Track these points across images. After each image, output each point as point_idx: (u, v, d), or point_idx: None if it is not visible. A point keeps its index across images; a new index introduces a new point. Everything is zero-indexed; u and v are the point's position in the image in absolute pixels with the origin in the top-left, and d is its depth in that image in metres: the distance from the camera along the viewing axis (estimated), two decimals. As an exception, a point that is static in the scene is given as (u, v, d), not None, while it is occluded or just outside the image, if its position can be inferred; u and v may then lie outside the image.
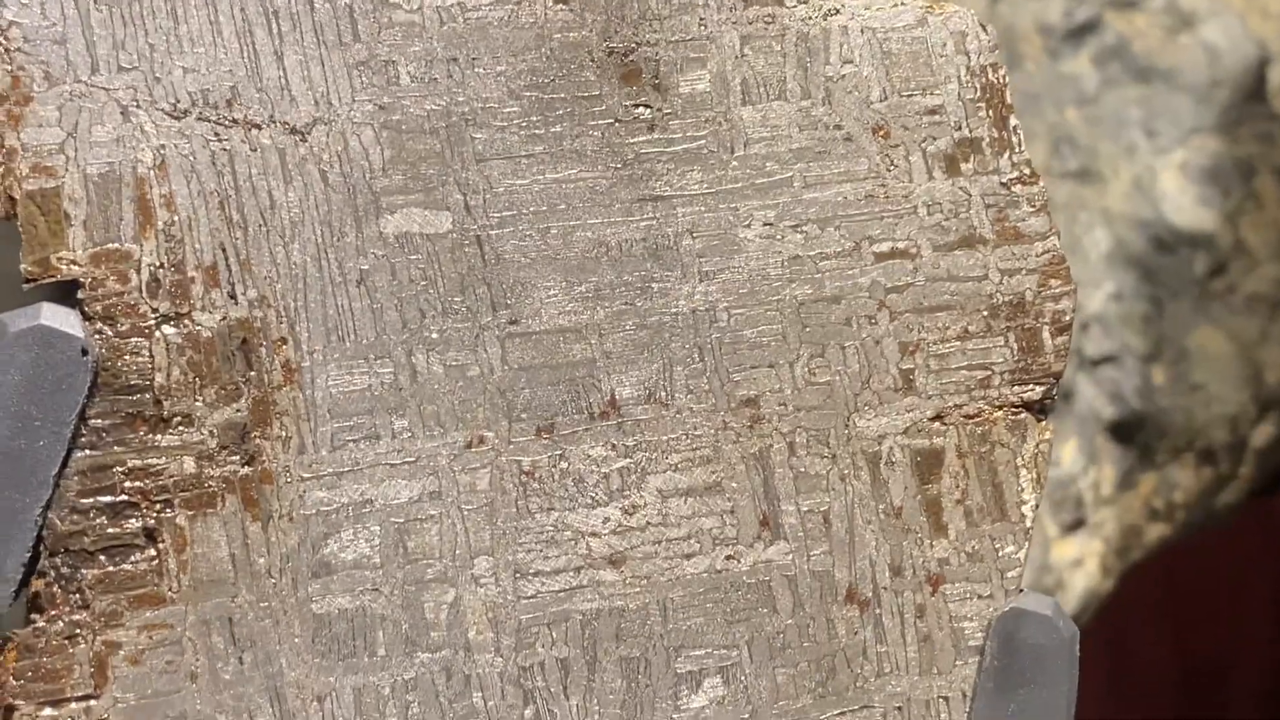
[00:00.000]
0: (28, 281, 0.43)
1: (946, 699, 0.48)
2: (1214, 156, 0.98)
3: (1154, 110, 0.98)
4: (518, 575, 0.46)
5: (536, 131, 0.46)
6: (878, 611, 0.47)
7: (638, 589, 0.46)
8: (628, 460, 0.46)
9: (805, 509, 0.47)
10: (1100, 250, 0.92)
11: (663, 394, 0.46)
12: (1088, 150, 0.96)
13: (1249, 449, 0.90)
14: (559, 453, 0.46)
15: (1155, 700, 1.02)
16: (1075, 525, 0.87)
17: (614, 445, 0.46)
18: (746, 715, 0.47)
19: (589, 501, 0.46)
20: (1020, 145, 0.49)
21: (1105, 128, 0.98)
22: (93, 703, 0.43)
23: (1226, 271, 0.94)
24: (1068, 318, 0.49)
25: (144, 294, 0.44)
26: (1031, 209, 0.49)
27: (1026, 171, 0.49)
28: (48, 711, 0.43)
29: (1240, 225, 0.96)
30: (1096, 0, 1.01)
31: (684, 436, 0.47)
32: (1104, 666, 1.02)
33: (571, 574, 0.46)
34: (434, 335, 0.45)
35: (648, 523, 0.46)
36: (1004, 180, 0.48)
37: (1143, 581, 0.98)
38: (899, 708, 0.48)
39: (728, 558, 0.47)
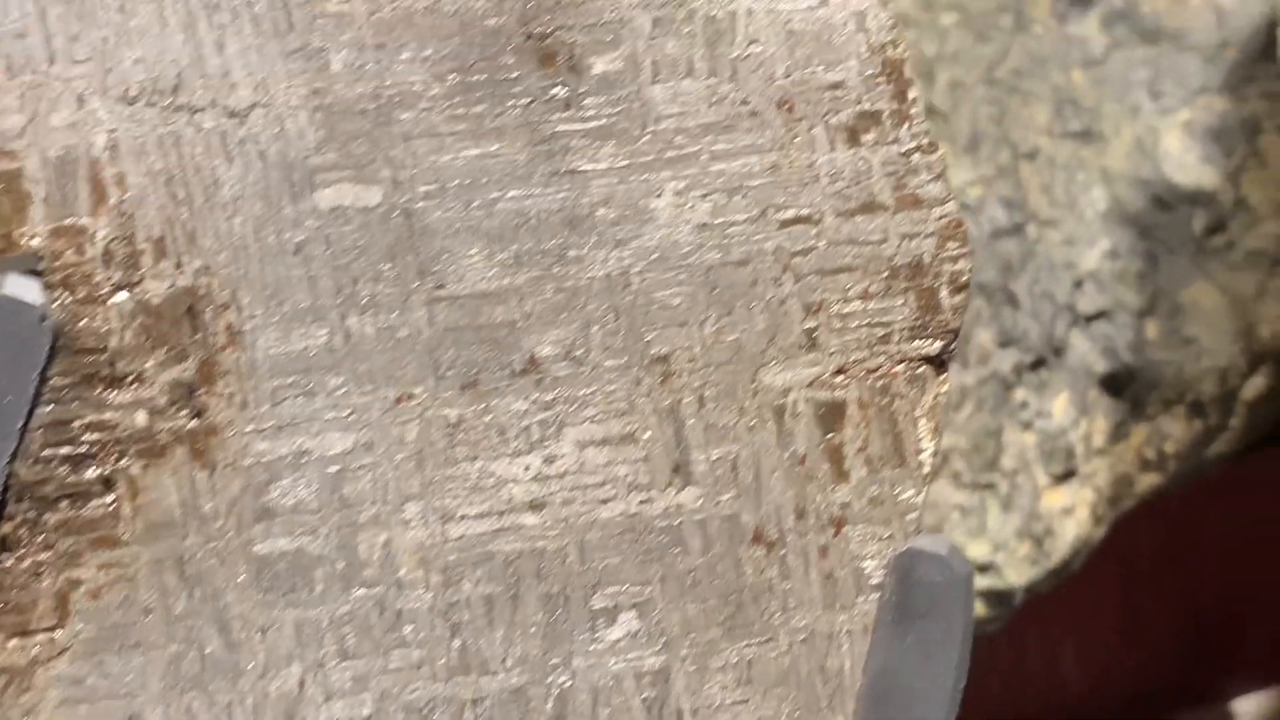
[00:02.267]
0: (-7, 254, 0.48)
1: (849, 631, 0.52)
2: (1220, 116, 1.00)
3: (1160, 71, 1.01)
4: (445, 519, 0.50)
5: (459, 112, 0.50)
6: (783, 552, 0.51)
7: (557, 531, 0.50)
8: (547, 413, 0.50)
9: (714, 457, 0.51)
10: (1097, 209, 0.94)
11: (579, 352, 0.50)
12: (1091, 111, 0.99)
13: (1239, 401, 0.92)
14: (483, 406, 0.50)
15: (1167, 644, 1.05)
16: (1066, 475, 0.90)
17: (534, 400, 0.50)
18: (659, 646, 0.51)
19: (511, 451, 0.50)
20: (920, 117, 0.52)
21: (1110, 89, 1.00)
22: (57, 634, 0.48)
23: (1226, 228, 0.96)
24: (964, 278, 0.52)
25: (99, 264, 0.48)
26: (930, 176, 0.52)
27: (925, 142, 0.52)
28: (15, 641, 0.48)
29: (1242, 182, 0.98)
30: (1106, -37, 1.03)
31: (599, 391, 0.51)
32: (1118, 615, 1.05)
33: (495, 518, 0.50)
34: (365, 300, 0.49)
35: (566, 470, 0.50)
36: (903, 150, 0.52)
37: (1152, 530, 1.01)
38: (804, 640, 0.52)
39: (641, 502, 0.51)
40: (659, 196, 0.51)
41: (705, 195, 0.51)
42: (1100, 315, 0.91)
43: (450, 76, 0.50)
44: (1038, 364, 0.91)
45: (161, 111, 0.49)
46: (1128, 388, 0.91)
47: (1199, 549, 1.02)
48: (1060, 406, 0.90)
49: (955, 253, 0.52)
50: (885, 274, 0.52)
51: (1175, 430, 0.91)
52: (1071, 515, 0.89)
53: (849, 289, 0.52)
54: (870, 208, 0.52)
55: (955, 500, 0.88)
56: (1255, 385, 0.92)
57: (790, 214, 0.51)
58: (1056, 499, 0.89)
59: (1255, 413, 0.93)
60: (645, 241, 0.51)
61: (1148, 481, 0.91)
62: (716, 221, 0.51)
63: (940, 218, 0.52)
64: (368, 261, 0.49)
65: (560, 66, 0.51)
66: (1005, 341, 0.90)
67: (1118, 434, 0.91)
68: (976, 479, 0.89)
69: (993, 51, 1.00)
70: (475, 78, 0.50)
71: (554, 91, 0.51)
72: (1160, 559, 1.03)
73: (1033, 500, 0.89)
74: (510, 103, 0.50)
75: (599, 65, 0.51)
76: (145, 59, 0.49)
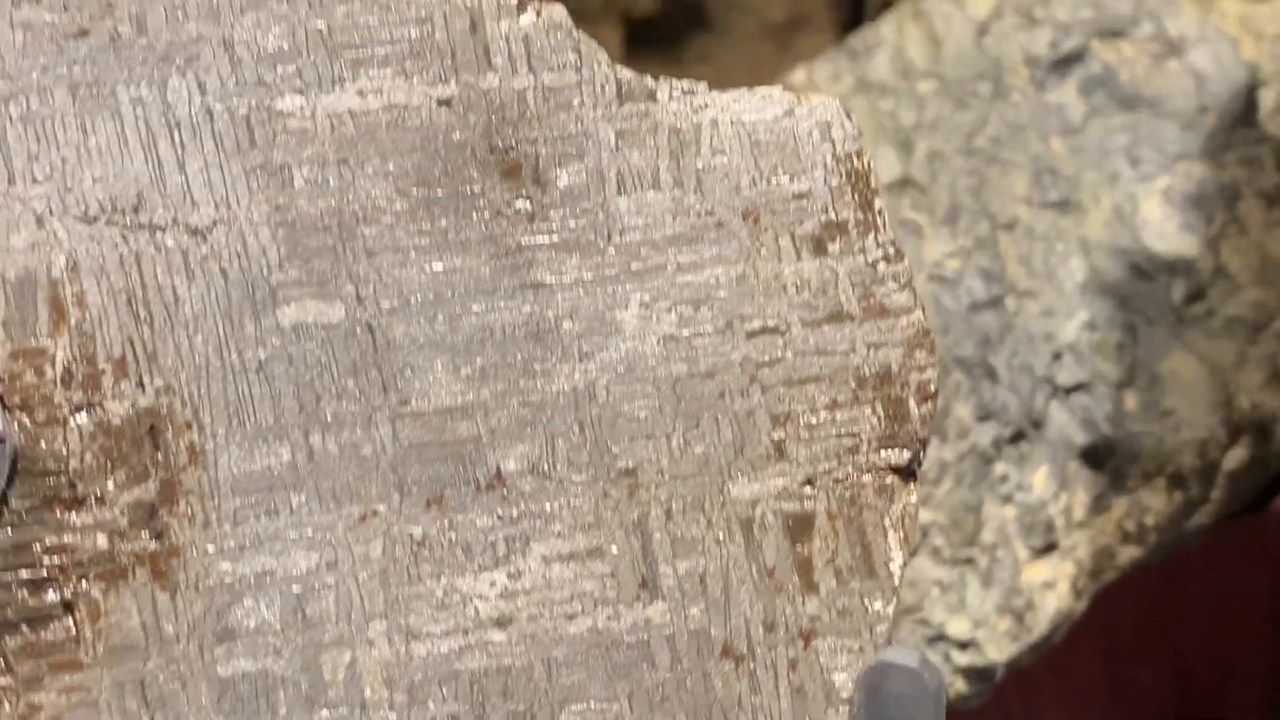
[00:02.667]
0: (-47, 377, 0.48)
1: (820, 746, 0.51)
2: (1198, 183, 1.00)
3: (1139, 138, 1.01)
4: (410, 637, 0.49)
5: (423, 226, 0.50)
6: (752, 666, 0.51)
7: (523, 648, 0.50)
8: (513, 529, 0.50)
9: (682, 571, 0.51)
10: (1076, 280, 0.94)
11: (545, 466, 0.50)
12: (1070, 180, 0.99)
13: (1220, 472, 0.92)
14: (448, 522, 0.50)
15: (1152, 712, 1.04)
16: (1047, 549, 0.89)
17: (500, 515, 0.50)
18: None
19: (476, 567, 0.50)
20: (885, 226, 0.52)
21: (1089, 157, 1.00)
22: (17, 759, 0.48)
23: (1205, 296, 0.96)
24: (932, 387, 0.52)
25: (59, 386, 0.48)
26: (896, 285, 0.52)
27: (891, 251, 0.52)
28: (-25, 768, 0.47)
29: (1221, 250, 0.98)
30: (1083, 30, 1.03)
31: (566, 506, 0.50)
32: (1103, 684, 1.04)
33: (461, 635, 0.50)
34: (329, 417, 0.49)
35: (532, 586, 0.50)
36: (870, 259, 0.52)
37: (1135, 599, 1.00)
38: None
39: (608, 618, 0.50)
40: (625, 309, 0.51)
41: (671, 307, 0.51)
42: (1079, 387, 0.91)
43: (414, 191, 0.50)
44: (1017, 437, 0.90)
45: (122, 230, 0.48)
46: (1108, 460, 0.90)
47: (1181, 617, 1.02)
48: (1040, 480, 0.90)
49: (923, 362, 0.52)
50: (853, 384, 0.51)
51: (1156, 503, 0.91)
52: (1052, 589, 0.89)
53: (817, 399, 0.51)
54: (837, 317, 0.51)
55: (935, 576, 0.88)
56: (1236, 456, 0.92)
57: (757, 325, 0.51)
58: (1037, 573, 0.89)
59: (1236, 483, 0.93)
60: (611, 354, 0.50)
61: (1128, 554, 0.91)
62: (683, 333, 0.51)
63: (907, 327, 0.52)
64: (331, 378, 0.49)
65: (524, 179, 0.50)
66: (984, 415, 0.90)
67: (1098, 506, 0.90)
68: (956, 554, 0.88)
69: (971, 119, 1.00)
70: (439, 191, 0.50)
71: (518, 204, 0.50)
72: (1143, 628, 1.03)
73: (1013, 574, 0.88)
74: (474, 216, 0.50)
75: (563, 178, 0.50)
76: (105, 178, 0.48)
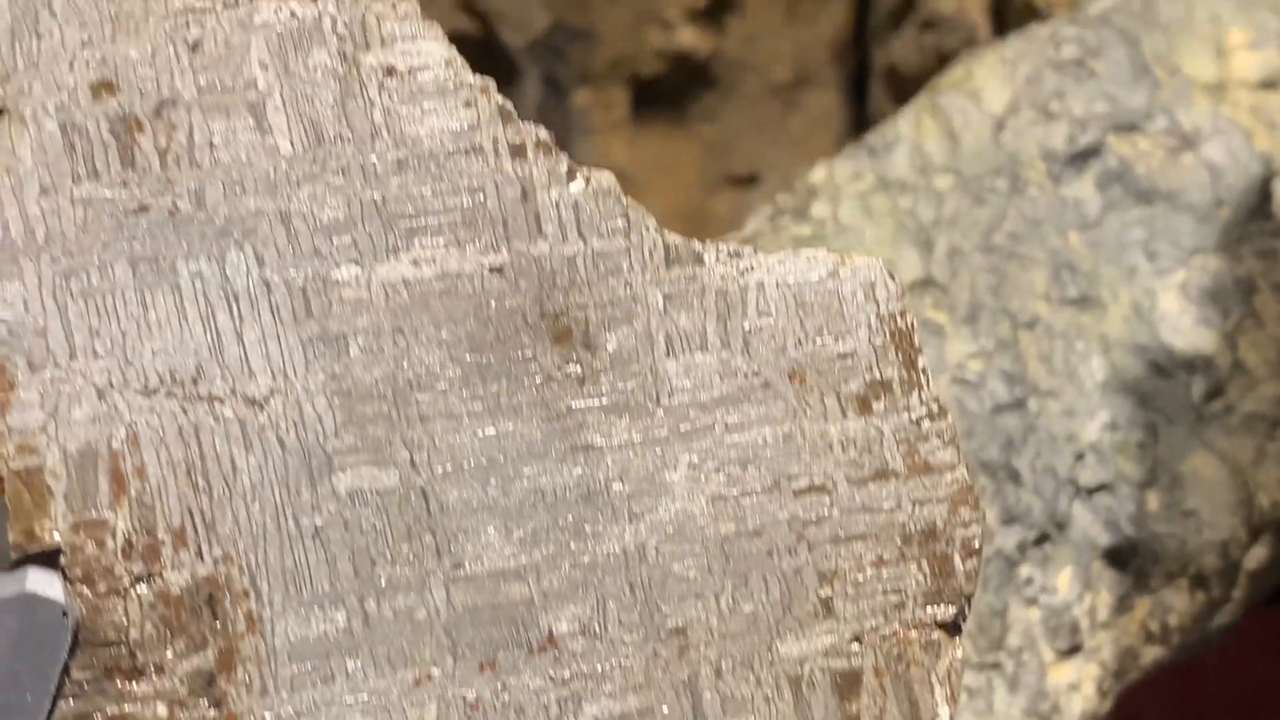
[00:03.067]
0: (15, 550, 0.48)
1: None
2: (1215, 276, 1.01)
3: (1155, 231, 1.01)
4: None
5: (476, 392, 0.51)
6: None
7: (577, 808, 0.51)
8: (565, 690, 0.51)
9: (732, 729, 0.51)
10: (1096, 378, 0.95)
11: (596, 627, 0.51)
12: (1088, 276, 0.99)
13: (1241, 571, 0.93)
14: (500, 685, 0.50)
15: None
16: (1071, 651, 0.90)
17: (552, 677, 0.51)
18: None
19: (530, 729, 0.50)
20: (929, 384, 0.53)
21: (1106, 252, 1.01)
22: None
23: (1224, 393, 0.97)
24: (976, 543, 0.53)
25: (119, 557, 0.48)
26: (940, 442, 0.53)
27: (935, 408, 0.53)
28: None
29: (1239, 344, 0.99)
30: (1100, 125, 1.04)
31: (617, 666, 0.51)
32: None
33: None
34: (384, 582, 0.50)
35: (585, 746, 0.51)
36: (914, 417, 0.52)
37: (1156, 697, 1.01)
38: None
39: None
40: (674, 470, 0.51)
41: (719, 467, 0.52)
42: (1102, 488, 0.92)
43: (467, 357, 0.51)
44: (1041, 539, 0.91)
45: (181, 402, 0.49)
46: (1131, 561, 0.91)
47: (1202, 714, 1.03)
48: (1065, 581, 0.90)
49: (967, 518, 0.53)
50: (899, 541, 0.52)
51: (1179, 603, 0.92)
52: (1078, 691, 0.89)
53: (863, 556, 0.52)
54: (883, 475, 0.52)
55: (962, 682, 0.89)
56: (1257, 555, 0.93)
57: (804, 483, 0.52)
58: (1062, 675, 0.90)
59: (1257, 582, 0.93)
60: (661, 515, 0.51)
61: (1152, 654, 0.92)
62: (731, 493, 0.52)
63: (951, 483, 0.53)
64: (386, 543, 0.50)
65: (575, 344, 0.51)
66: (1009, 519, 0.91)
67: (1122, 607, 0.91)
68: (983, 659, 0.89)
69: (989, 215, 1.01)
70: (491, 357, 0.51)
71: (569, 369, 0.51)
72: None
73: (1039, 678, 0.89)
74: (526, 381, 0.51)
75: (613, 341, 0.51)
76: (165, 350, 0.49)
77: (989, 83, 1.07)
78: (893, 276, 0.53)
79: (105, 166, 0.49)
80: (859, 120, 1.48)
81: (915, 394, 0.52)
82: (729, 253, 0.52)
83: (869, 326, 0.52)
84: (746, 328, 0.52)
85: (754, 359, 0.52)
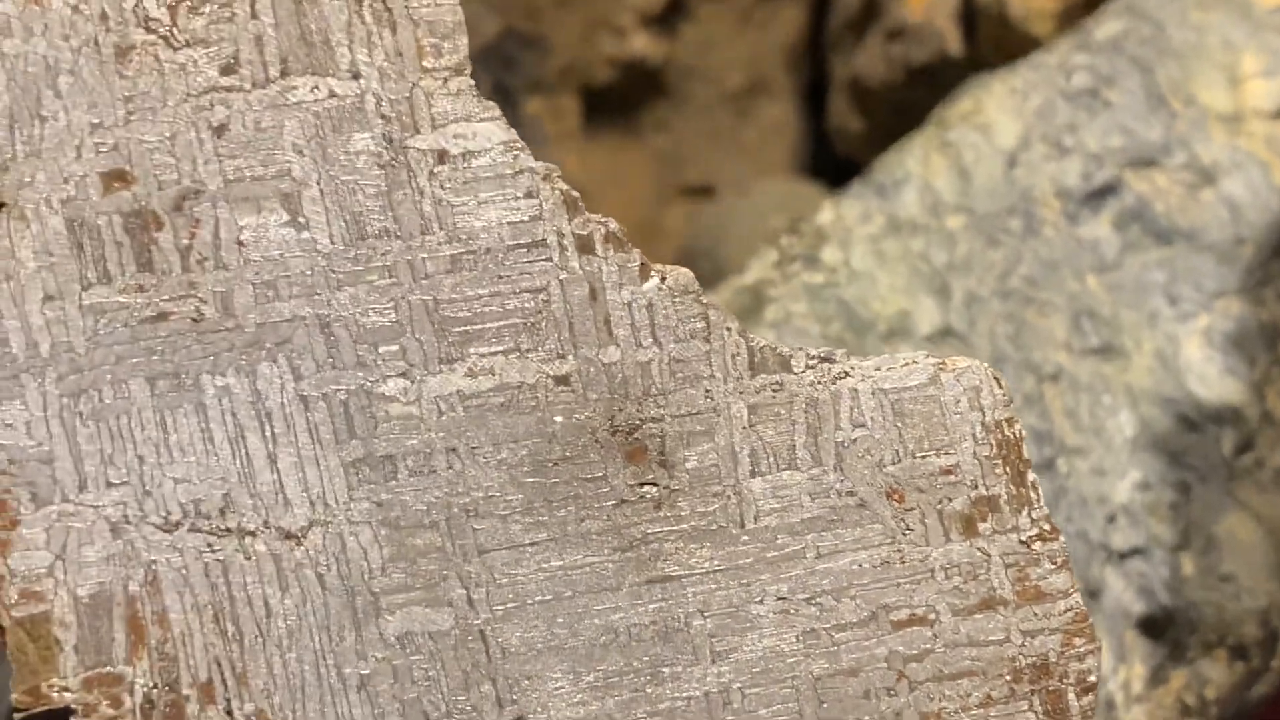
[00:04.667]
0: (18, 710, 0.42)
1: None
2: (1238, 321, 0.96)
3: (1176, 273, 0.97)
4: None
5: (540, 518, 0.45)
6: None
7: None
8: None
9: None
10: (1125, 435, 0.90)
11: (677, 782, 0.45)
12: (1109, 323, 0.95)
13: (1281, 640, 0.88)
14: None
15: None
16: (1106, 727, 0.85)
17: None
18: None
19: None
20: (1039, 500, 0.47)
21: (1126, 295, 0.96)
22: None
23: (1254, 446, 0.92)
24: (1092, 678, 0.47)
25: (138, 717, 0.42)
26: (1053, 566, 0.47)
27: (1046, 528, 0.47)
28: None
29: (1267, 395, 0.94)
30: (1115, 160, 1.00)
31: (700, 826, 0.45)
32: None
33: None
34: None
35: None
36: (1023, 538, 0.47)
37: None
38: None
39: None
40: (761, 603, 0.46)
41: (811, 599, 0.46)
42: (1135, 552, 0.87)
43: (529, 480, 0.45)
44: (1073, 608, 0.86)
45: (207, 537, 0.43)
46: (1166, 630, 0.86)
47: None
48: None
49: (1082, 649, 0.47)
50: (1008, 677, 0.47)
51: (1216, 674, 0.87)
52: (1113, 769, 0.84)
53: (969, 695, 0.46)
54: (990, 603, 0.47)
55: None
56: (1296, 621, 0.88)
57: (904, 615, 0.46)
58: (1097, 753, 0.85)
59: (1296, 649, 0.89)
60: (747, 653, 0.46)
61: (1188, 727, 0.87)
62: (824, 627, 0.46)
63: (1065, 611, 0.47)
64: (441, 694, 0.44)
65: (650, 461, 0.45)
66: (1040, 588, 0.86)
67: (1156, 679, 0.86)
68: (1016, 739, 0.84)
69: (1004, 258, 0.96)
70: (557, 480, 0.45)
71: (643, 490, 0.45)
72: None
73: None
74: (596, 505, 0.45)
75: (692, 459, 0.45)
76: (188, 478, 0.43)
77: (999, 116, 1.02)
78: (999, 381, 0.47)
79: (119, 269, 0.43)
80: (815, 131, 1.43)
81: (1025, 512, 0.47)
82: (820, 357, 0.47)
83: (974, 438, 0.47)
84: (840, 440, 0.46)
85: (848, 476, 0.46)
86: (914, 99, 1.18)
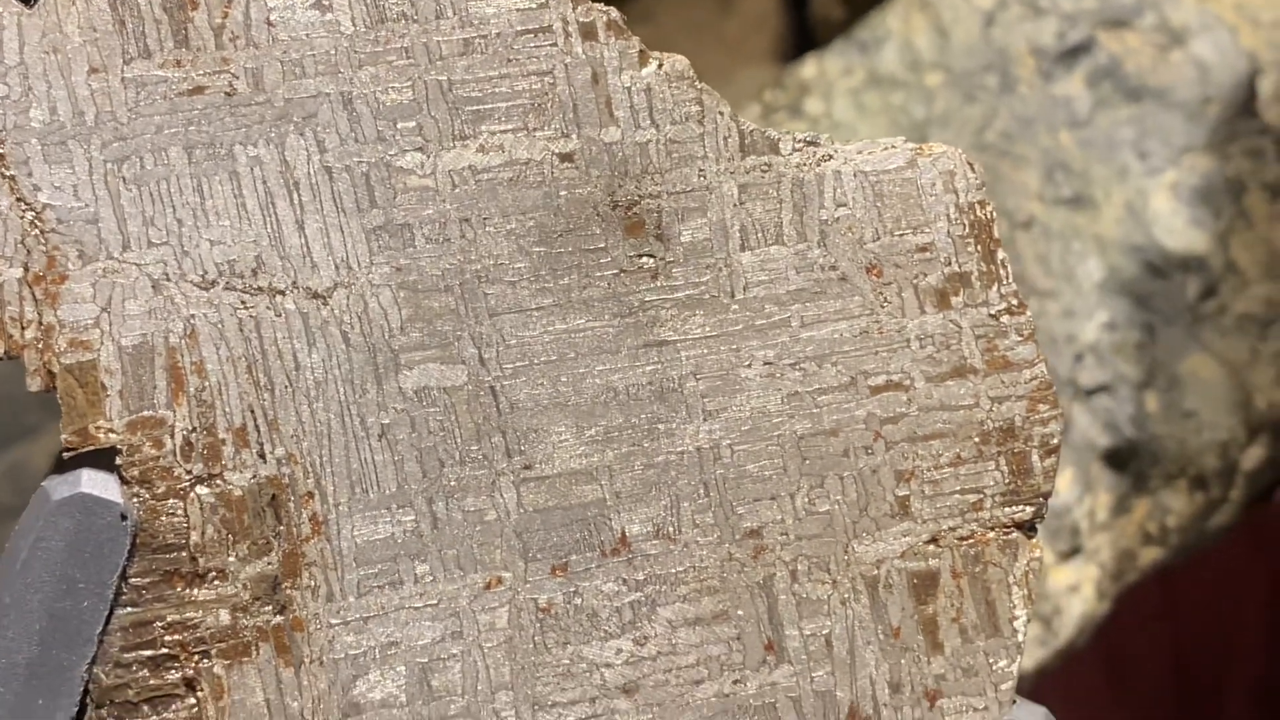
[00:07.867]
0: (68, 450, 0.46)
1: (944, 806, 0.51)
2: (1205, 176, 1.00)
3: (1146, 130, 1.00)
4: (537, 708, 0.48)
5: (546, 285, 0.48)
6: None
7: (650, 715, 0.49)
8: (638, 594, 0.49)
9: (808, 633, 0.50)
10: (1094, 279, 0.94)
11: (670, 529, 0.49)
12: (1081, 175, 0.98)
13: (1239, 472, 0.92)
14: (573, 589, 0.48)
15: (1154, 712, 1.05)
16: (1071, 552, 0.89)
17: (625, 580, 0.49)
18: None
19: (603, 634, 0.49)
20: (1008, 277, 0.51)
21: (1097, 150, 1.00)
22: (141, 843, 0.46)
23: (1217, 293, 0.96)
24: (1055, 440, 0.51)
25: (178, 457, 0.46)
26: (1020, 338, 0.51)
27: (1014, 302, 0.51)
28: None
29: (1230, 245, 0.98)
30: (1089, 20, 1.03)
31: (691, 569, 0.49)
32: (1104, 681, 1.05)
33: (587, 704, 0.48)
34: (452, 483, 0.48)
35: (658, 652, 0.49)
36: (993, 311, 0.51)
37: (1141, 597, 1.00)
38: None
39: (735, 682, 0.49)
40: (749, 366, 0.49)
41: (795, 364, 0.50)
42: (1101, 389, 0.91)
43: (536, 249, 0.48)
44: (1041, 441, 0.90)
45: (240, 295, 0.47)
46: (1130, 462, 0.90)
47: (1181, 609, 1.02)
48: (1065, 483, 0.89)
49: (1046, 415, 0.51)
50: (977, 439, 0.51)
51: (1177, 504, 0.91)
52: (1077, 592, 0.89)
53: (940, 455, 0.50)
54: (961, 371, 0.50)
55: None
56: (1254, 455, 0.92)
57: (881, 380, 0.50)
58: (1063, 577, 0.89)
59: (1253, 482, 0.93)
60: (736, 413, 0.49)
61: (1150, 555, 0.91)
62: (807, 390, 0.50)
63: (1030, 379, 0.51)
64: (455, 443, 0.48)
65: (647, 235, 0.49)
66: (1010, 420, 0.90)
67: (1120, 508, 0.90)
68: (985, 561, 0.88)
69: (980, 113, 0.99)
70: (561, 249, 0.48)
71: (641, 261, 0.49)
72: (1146, 623, 1.03)
73: (1040, 580, 0.88)
74: (597, 274, 0.49)
75: (687, 233, 0.49)
76: (223, 240, 0.47)
77: (977, -23, 1.05)
78: (972, 166, 0.51)
79: (158, 45, 0.46)
80: (799, 24, 1.46)
81: (994, 288, 0.51)
82: (805, 140, 0.50)
83: (948, 218, 0.50)
84: (823, 218, 0.50)
85: (830, 252, 0.50)
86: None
